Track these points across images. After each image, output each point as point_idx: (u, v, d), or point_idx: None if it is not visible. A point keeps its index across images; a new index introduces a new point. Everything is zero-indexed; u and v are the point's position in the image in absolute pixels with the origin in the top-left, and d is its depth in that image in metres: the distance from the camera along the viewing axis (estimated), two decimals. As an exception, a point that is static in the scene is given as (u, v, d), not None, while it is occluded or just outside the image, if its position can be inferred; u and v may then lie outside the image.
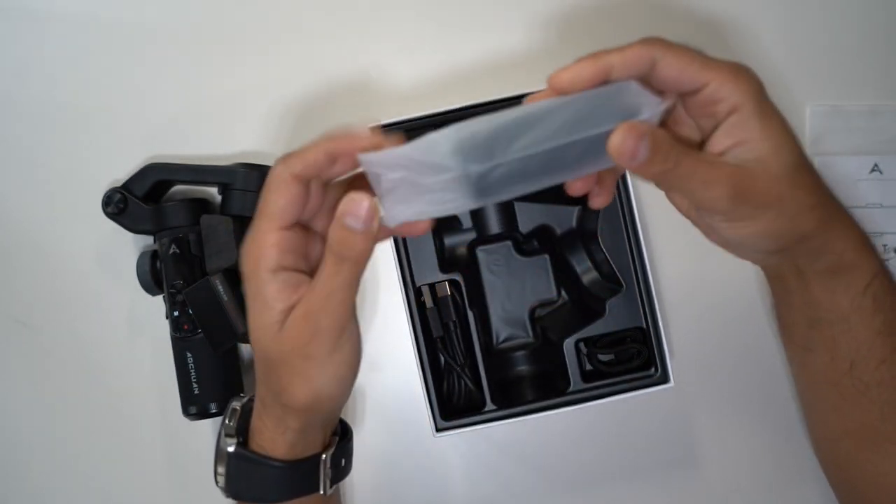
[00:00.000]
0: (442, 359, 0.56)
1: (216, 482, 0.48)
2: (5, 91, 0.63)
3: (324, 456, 0.46)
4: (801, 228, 0.42)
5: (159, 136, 0.62)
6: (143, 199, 0.58)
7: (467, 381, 0.55)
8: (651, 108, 0.38)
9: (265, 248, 0.41)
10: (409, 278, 0.54)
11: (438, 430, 0.53)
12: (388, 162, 0.38)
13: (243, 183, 0.57)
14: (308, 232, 0.44)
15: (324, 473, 0.46)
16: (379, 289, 0.61)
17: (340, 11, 0.62)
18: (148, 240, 0.60)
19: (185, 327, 0.57)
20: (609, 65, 0.38)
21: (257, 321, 0.43)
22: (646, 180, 0.40)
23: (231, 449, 0.46)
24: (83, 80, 0.63)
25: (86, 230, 0.61)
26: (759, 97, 0.40)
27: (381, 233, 0.41)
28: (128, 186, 0.58)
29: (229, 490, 0.47)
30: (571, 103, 0.38)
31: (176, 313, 0.57)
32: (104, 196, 0.58)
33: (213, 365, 0.57)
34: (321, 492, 0.46)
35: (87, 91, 0.62)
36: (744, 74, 0.40)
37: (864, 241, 0.45)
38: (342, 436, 0.49)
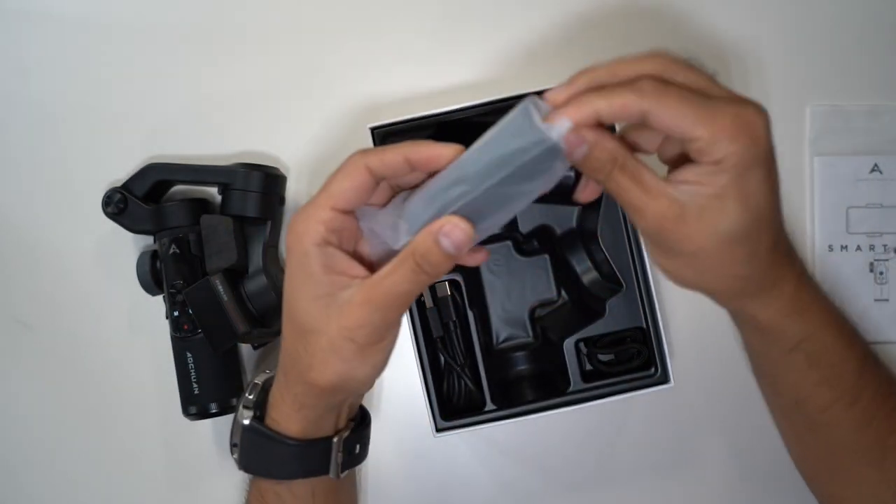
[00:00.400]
0: (442, 359, 0.56)
1: (231, 453, 0.48)
2: (5, 91, 0.63)
3: (336, 439, 0.46)
4: (713, 287, 0.42)
5: (159, 136, 0.62)
6: (143, 199, 0.58)
7: (467, 381, 0.55)
8: (560, 125, 0.38)
9: (314, 222, 0.42)
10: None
11: (438, 430, 0.53)
12: (365, 216, 0.43)
13: (243, 183, 0.57)
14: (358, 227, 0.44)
15: (335, 456, 0.46)
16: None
17: (340, 12, 0.62)
18: (148, 240, 0.60)
19: (185, 327, 0.57)
20: (596, 112, 0.38)
21: (302, 292, 0.42)
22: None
23: (246, 422, 0.47)
24: (83, 80, 0.63)
25: (86, 230, 0.61)
26: (749, 164, 0.37)
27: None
28: (128, 186, 0.58)
29: (241, 463, 0.47)
30: (486, 147, 0.39)
31: (176, 313, 0.57)
32: (104, 196, 0.58)
33: (213, 365, 0.57)
34: (331, 475, 0.46)
35: (86, 91, 0.62)
36: (745, 134, 0.37)
37: (790, 308, 0.43)
38: (360, 422, 0.49)
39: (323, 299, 0.42)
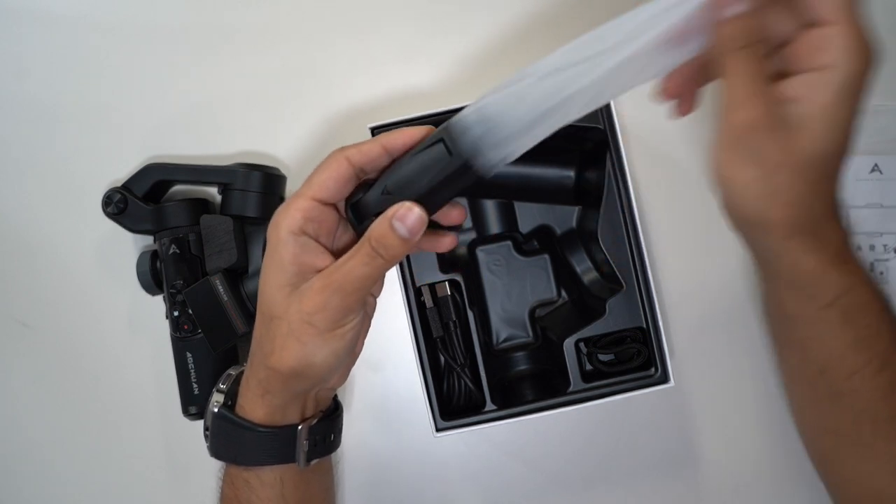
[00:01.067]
0: (442, 359, 0.56)
1: (205, 440, 0.50)
2: (5, 91, 0.63)
3: (300, 426, 0.47)
4: (773, 213, 0.40)
5: (159, 136, 0.62)
6: (143, 199, 0.58)
7: (467, 381, 0.55)
8: None
9: (292, 211, 0.43)
10: (409, 278, 0.54)
11: (438, 430, 0.53)
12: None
13: (243, 183, 0.57)
14: (342, 219, 0.46)
15: (301, 445, 0.47)
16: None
17: (340, 12, 0.62)
18: (148, 240, 0.60)
19: (185, 327, 0.57)
20: None
21: (271, 279, 0.44)
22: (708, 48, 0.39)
23: (216, 409, 0.48)
24: (83, 80, 0.63)
25: (86, 230, 0.61)
26: (852, 88, 0.37)
27: (422, 244, 0.45)
28: (128, 186, 0.58)
29: (212, 450, 0.49)
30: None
31: (176, 313, 0.57)
32: (104, 196, 0.58)
33: (213, 365, 0.57)
34: (298, 464, 0.47)
35: (86, 91, 0.62)
36: (863, 52, 0.37)
37: (835, 257, 0.42)
38: (330, 412, 0.50)
39: (287, 287, 0.43)
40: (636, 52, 0.38)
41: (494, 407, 0.55)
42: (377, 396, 0.61)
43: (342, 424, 0.52)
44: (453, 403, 0.56)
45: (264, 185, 0.57)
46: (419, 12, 0.62)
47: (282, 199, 0.59)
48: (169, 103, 0.62)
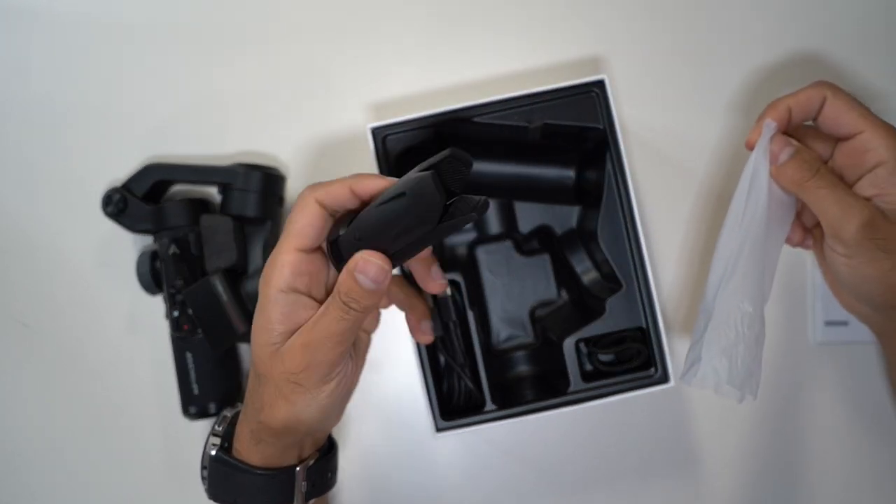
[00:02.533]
0: (442, 359, 0.56)
1: (202, 481, 0.50)
2: (5, 91, 0.63)
3: (299, 468, 0.48)
4: None
5: (159, 136, 0.62)
6: (142, 198, 0.58)
7: (467, 381, 0.55)
8: (767, 126, 0.46)
9: (280, 266, 0.43)
10: (409, 278, 0.54)
11: (438, 430, 0.53)
12: None
13: (243, 183, 0.57)
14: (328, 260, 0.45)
15: (299, 485, 0.47)
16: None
17: (340, 12, 0.62)
18: (148, 240, 0.60)
19: (185, 327, 0.57)
20: (787, 107, 0.45)
21: (258, 338, 0.44)
22: (789, 191, 0.46)
23: (213, 452, 0.48)
24: (83, 79, 0.63)
25: (86, 230, 0.61)
26: None
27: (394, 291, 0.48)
28: (128, 186, 0.58)
29: (210, 492, 0.49)
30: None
31: (176, 313, 0.57)
32: (104, 196, 0.58)
33: (212, 365, 0.57)
34: None
35: (86, 91, 0.62)
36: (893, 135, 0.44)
37: None
38: (326, 451, 0.51)
39: (273, 346, 0.43)
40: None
41: (494, 407, 0.54)
42: (377, 396, 0.61)
43: (338, 462, 0.52)
44: (453, 403, 0.56)
45: (264, 185, 0.57)
46: (420, 12, 0.62)
47: (281, 200, 0.59)
48: (169, 103, 0.62)
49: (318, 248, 0.44)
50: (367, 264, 0.41)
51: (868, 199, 0.44)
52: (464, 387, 0.55)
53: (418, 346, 0.54)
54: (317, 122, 0.61)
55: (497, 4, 0.62)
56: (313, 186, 0.43)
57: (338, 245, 0.43)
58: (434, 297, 0.55)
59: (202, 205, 0.59)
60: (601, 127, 0.53)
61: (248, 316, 0.56)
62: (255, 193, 0.57)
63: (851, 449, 0.60)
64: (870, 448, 0.60)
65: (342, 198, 0.43)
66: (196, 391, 0.57)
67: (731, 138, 0.61)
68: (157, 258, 0.57)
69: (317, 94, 0.62)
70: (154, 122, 0.62)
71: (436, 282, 0.49)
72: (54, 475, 0.62)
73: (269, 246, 0.58)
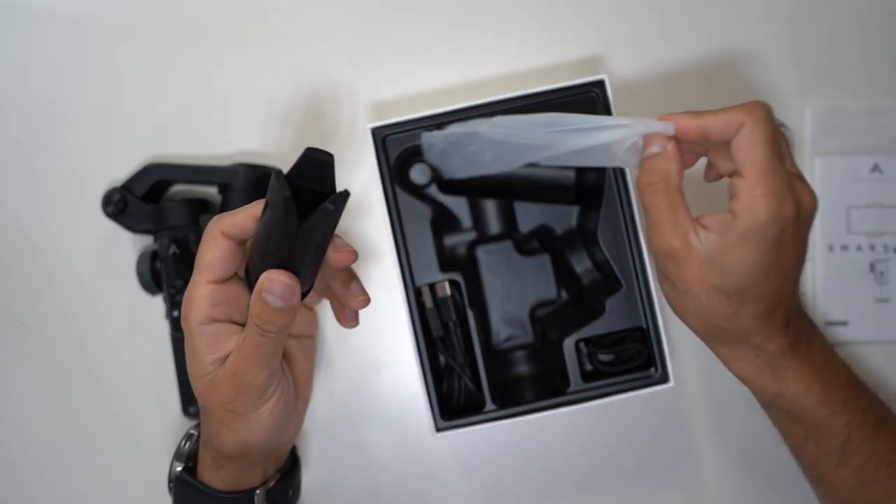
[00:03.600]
0: (442, 359, 0.56)
1: (169, 495, 0.51)
2: (5, 91, 0.63)
3: (259, 491, 0.48)
4: (690, 325, 0.45)
5: (159, 135, 0.62)
6: (142, 198, 0.58)
7: (467, 381, 0.55)
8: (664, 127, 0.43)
9: (195, 301, 0.44)
10: (408, 278, 0.54)
11: (438, 429, 0.53)
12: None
13: (243, 182, 0.57)
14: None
15: None
16: (379, 289, 0.61)
17: (340, 12, 0.62)
18: (148, 240, 0.60)
19: None
20: (703, 126, 0.42)
21: (192, 371, 0.45)
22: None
23: (178, 470, 0.49)
24: (83, 79, 0.63)
25: (86, 230, 0.61)
26: (763, 236, 0.40)
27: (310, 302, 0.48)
28: (128, 186, 0.58)
29: None
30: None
31: (176, 313, 0.57)
32: (104, 196, 0.57)
33: None
34: None
35: (86, 91, 0.62)
36: (778, 212, 0.40)
37: (770, 367, 0.45)
38: (288, 469, 0.51)
39: (207, 377, 0.44)
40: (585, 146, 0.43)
41: (494, 407, 0.54)
42: (377, 396, 0.61)
43: (300, 479, 0.53)
44: (453, 403, 0.55)
45: (265, 185, 0.57)
46: (420, 12, 0.62)
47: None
48: (169, 103, 0.62)
49: (235, 276, 0.45)
50: (272, 283, 0.41)
51: (694, 228, 0.42)
52: (464, 387, 0.55)
53: (418, 346, 0.54)
54: (317, 122, 0.61)
55: (497, 4, 0.62)
56: (218, 218, 0.44)
57: (248, 272, 0.44)
58: (434, 297, 0.56)
59: (202, 205, 0.59)
60: (601, 127, 0.53)
61: None
62: (255, 194, 0.57)
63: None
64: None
65: (247, 226, 0.43)
66: (196, 391, 0.57)
67: (731, 138, 0.61)
68: (157, 258, 0.57)
69: (317, 94, 0.62)
70: (154, 122, 0.62)
71: (356, 298, 0.48)
72: (54, 475, 0.62)
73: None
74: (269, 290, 0.41)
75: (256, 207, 0.43)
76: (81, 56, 0.62)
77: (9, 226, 0.62)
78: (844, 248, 0.59)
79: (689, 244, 0.41)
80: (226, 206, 0.57)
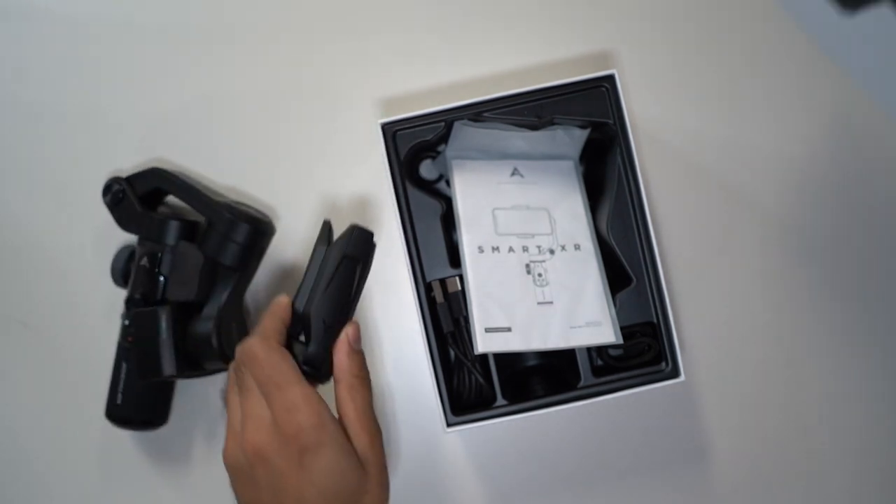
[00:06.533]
0: (452, 354, 0.56)
1: None
2: (5, 91, 0.62)
3: None
4: None
5: (162, 136, 0.62)
6: (140, 198, 0.57)
7: (478, 377, 0.55)
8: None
9: (321, 408, 0.45)
10: (419, 274, 0.54)
11: (449, 425, 0.53)
12: None
13: (226, 229, 0.55)
14: None
15: None
16: (389, 284, 0.61)
17: (350, 8, 0.62)
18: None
19: (130, 339, 0.56)
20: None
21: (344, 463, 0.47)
22: None
23: None
24: (83, 79, 0.63)
25: (86, 231, 0.61)
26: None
27: None
28: (130, 181, 0.58)
29: None
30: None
31: (127, 322, 0.56)
32: (106, 183, 0.57)
33: (142, 385, 0.57)
34: None
35: (87, 91, 0.62)
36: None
37: None
38: None
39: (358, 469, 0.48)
40: None
41: (505, 402, 0.54)
42: (388, 392, 0.61)
43: None
44: (464, 399, 0.55)
45: (248, 239, 0.55)
46: (430, 7, 0.62)
47: (262, 252, 0.58)
48: (170, 103, 0.62)
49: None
50: (356, 329, 0.46)
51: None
52: (474, 382, 0.55)
53: (429, 341, 0.53)
54: (327, 118, 0.61)
55: (499, 5, 0.62)
56: (262, 340, 0.45)
57: (311, 359, 0.46)
58: (444, 292, 0.55)
59: (191, 228, 0.57)
60: (611, 122, 0.53)
61: (181, 359, 0.54)
62: (237, 245, 0.55)
63: (862, 442, 0.61)
64: (880, 442, 0.61)
65: (283, 326, 0.46)
66: (118, 401, 0.57)
67: (741, 133, 0.61)
68: (133, 258, 0.57)
69: (327, 90, 0.62)
70: (155, 122, 0.62)
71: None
72: (54, 474, 0.61)
73: (237, 294, 0.56)
74: (354, 339, 0.46)
75: (277, 309, 0.47)
76: (82, 56, 0.63)
77: (9, 226, 0.62)
78: (496, 249, 0.55)
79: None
80: (205, 243, 0.55)
